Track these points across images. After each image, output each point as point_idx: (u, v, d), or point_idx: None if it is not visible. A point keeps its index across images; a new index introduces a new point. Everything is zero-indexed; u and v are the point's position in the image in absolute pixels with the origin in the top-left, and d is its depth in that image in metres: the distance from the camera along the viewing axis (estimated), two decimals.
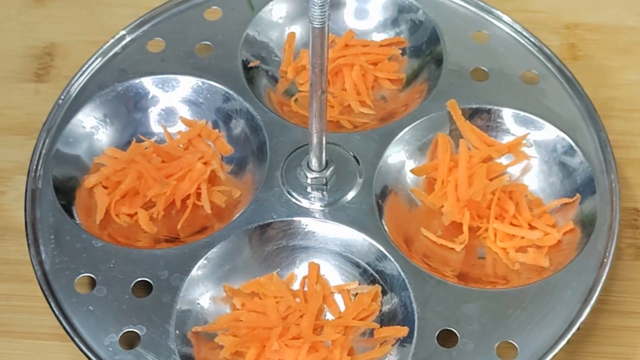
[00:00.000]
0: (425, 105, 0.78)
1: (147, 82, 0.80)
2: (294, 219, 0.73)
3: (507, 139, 0.78)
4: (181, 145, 0.78)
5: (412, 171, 0.77)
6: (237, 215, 0.73)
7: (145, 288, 0.69)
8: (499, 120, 0.78)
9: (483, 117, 0.78)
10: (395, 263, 0.70)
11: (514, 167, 0.77)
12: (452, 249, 0.73)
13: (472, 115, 0.78)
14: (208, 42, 0.82)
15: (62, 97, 0.78)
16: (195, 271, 0.70)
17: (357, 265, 0.72)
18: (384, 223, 0.73)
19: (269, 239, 0.73)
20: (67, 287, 0.69)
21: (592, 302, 0.69)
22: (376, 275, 0.71)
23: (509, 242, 0.73)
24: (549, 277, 0.70)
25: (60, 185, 0.75)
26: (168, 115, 0.80)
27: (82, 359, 0.67)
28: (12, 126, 0.83)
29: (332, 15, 0.83)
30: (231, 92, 0.79)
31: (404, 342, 0.68)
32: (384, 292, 0.71)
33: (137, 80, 0.80)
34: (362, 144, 0.76)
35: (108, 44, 0.82)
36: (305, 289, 0.71)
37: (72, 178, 0.76)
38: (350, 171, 0.75)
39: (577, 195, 0.74)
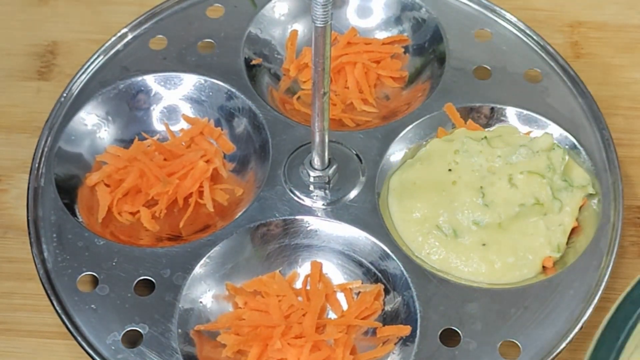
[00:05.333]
0: (427, 103, 0.78)
1: (150, 80, 0.80)
2: (297, 217, 0.73)
3: None
4: (183, 143, 0.78)
5: None
6: (239, 214, 0.73)
7: (147, 286, 0.69)
8: (502, 118, 0.78)
9: (486, 115, 0.78)
10: (398, 262, 0.70)
11: None
12: None
13: (474, 113, 0.78)
14: (210, 40, 0.82)
15: (64, 95, 0.78)
16: (198, 269, 0.70)
17: (360, 264, 0.72)
18: (386, 222, 0.73)
19: (272, 238, 0.72)
20: (69, 285, 0.69)
21: (595, 300, 0.69)
22: (379, 274, 0.71)
23: None
24: (551, 275, 0.70)
25: (62, 184, 0.75)
26: (170, 113, 0.80)
27: (85, 357, 0.67)
28: (15, 124, 0.83)
29: (334, 12, 0.84)
30: (233, 90, 0.79)
31: (406, 341, 0.68)
32: (386, 291, 0.70)
33: (139, 78, 0.80)
34: (364, 142, 0.76)
35: (110, 42, 0.81)
36: (308, 287, 0.71)
37: (74, 176, 0.76)
38: (353, 170, 0.75)
39: (585, 197, 0.74)
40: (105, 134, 0.78)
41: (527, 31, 0.82)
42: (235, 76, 0.80)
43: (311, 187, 0.74)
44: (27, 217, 0.72)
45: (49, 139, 0.76)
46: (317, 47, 0.63)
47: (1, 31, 0.89)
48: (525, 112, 0.78)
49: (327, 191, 0.74)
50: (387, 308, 0.70)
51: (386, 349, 0.68)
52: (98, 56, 0.81)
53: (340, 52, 0.82)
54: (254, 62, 0.82)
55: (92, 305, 0.68)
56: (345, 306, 0.71)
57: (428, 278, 0.69)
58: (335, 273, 0.72)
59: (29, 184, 0.74)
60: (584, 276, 0.70)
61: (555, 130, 0.77)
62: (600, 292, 0.69)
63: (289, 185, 0.74)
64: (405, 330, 0.68)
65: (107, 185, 0.76)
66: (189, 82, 0.80)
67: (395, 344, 0.68)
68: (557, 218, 0.72)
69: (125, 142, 0.78)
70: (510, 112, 0.78)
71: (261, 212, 0.73)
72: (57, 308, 0.68)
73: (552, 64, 0.81)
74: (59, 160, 0.76)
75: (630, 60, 0.87)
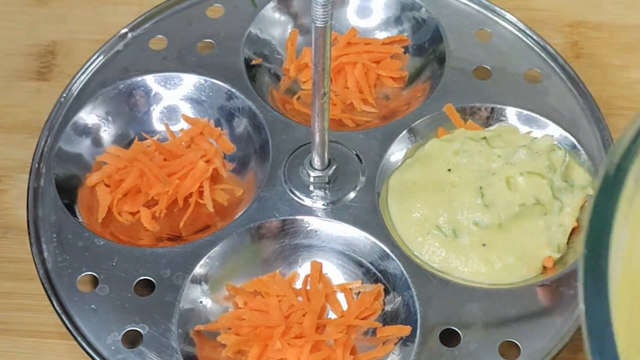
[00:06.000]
0: (427, 103, 0.78)
1: (150, 80, 0.80)
2: (297, 217, 0.73)
3: None
4: (183, 144, 0.78)
5: None
6: (239, 214, 0.73)
7: (147, 287, 0.69)
8: (501, 118, 0.78)
9: (486, 115, 0.78)
10: (398, 262, 0.70)
11: None
12: None
13: (474, 113, 0.78)
14: (210, 40, 0.82)
15: (64, 95, 0.78)
16: (198, 270, 0.70)
17: (360, 264, 0.72)
18: (386, 222, 0.72)
19: (272, 238, 0.72)
20: (69, 285, 0.69)
21: None
22: (379, 274, 0.71)
23: None
24: (552, 276, 0.70)
25: (62, 184, 0.75)
26: (170, 113, 0.80)
27: (85, 357, 0.67)
28: (15, 124, 0.83)
29: (334, 12, 0.84)
30: (233, 90, 0.79)
31: (406, 341, 0.68)
32: (386, 291, 0.70)
33: (139, 78, 0.80)
34: (364, 142, 0.76)
35: (110, 42, 0.81)
36: (308, 287, 0.71)
37: (74, 176, 0.76)
38: (353, 170, 0.75)
39: (585, 198, 0.74)
40: (105, 134, 0.78)
41: (527, 31, 0.82)
42: (235, 76, 0.80)
43: (311, 187, 0.74)
44: (27, 217, 0.72)
45: (49, 139, 0.76)
46: (317, 47, 0.63)
47: (1, 31, 0.89)
48: (525, 112, 0.78)
49: (327, 191, 0.74)
50: (387, 308, 0.70)
51: (386, 349, 0.68)
52: (98, 56, 0.81)
53: (340, 52, 0.82)
54: (254, 62, 0.82)
55: (92, 305, 0.68)
56: (345, 306, 0.71)
57: (428, 278, 0.69)
58: (335, 273, 0.72)
59: (28, 184, 0.74)
60: None
61: (555, 131, 0.77)
62: None
63: (289, 186, 0.74)
64: (405, 330, 0.68)
65: (107, 186, 0.76)
66: (189, 82, 0.80)
67: (395, 344, 0.68)
68: (557, 218, 0.72)
69: (125, 143, 0.78)
70: (510, 112, 0.78)
71: (261, 212, 0.73)
72: (57, 308, 0.68)
73: (552, 64, 0.81)
74: (59, 161, 0.76)
75: (630, 60, 0.87)
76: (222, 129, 0.79)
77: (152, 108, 0.80)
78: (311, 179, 0.74)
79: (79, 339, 0.67)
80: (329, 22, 0.61)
